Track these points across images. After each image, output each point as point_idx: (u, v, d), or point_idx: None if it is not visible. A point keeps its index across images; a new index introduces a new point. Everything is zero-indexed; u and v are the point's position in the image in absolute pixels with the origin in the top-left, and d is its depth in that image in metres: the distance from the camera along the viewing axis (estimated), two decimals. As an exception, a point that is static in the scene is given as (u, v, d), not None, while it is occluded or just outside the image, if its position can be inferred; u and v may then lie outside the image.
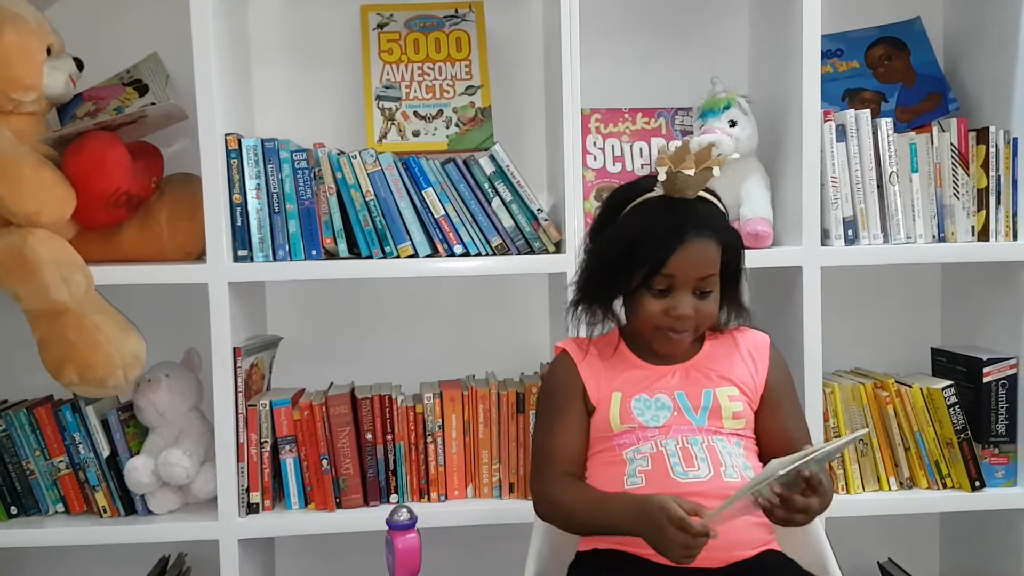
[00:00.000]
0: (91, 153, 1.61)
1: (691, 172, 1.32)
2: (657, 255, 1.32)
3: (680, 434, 1.34)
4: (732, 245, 1.39)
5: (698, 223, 1.33)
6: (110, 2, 1.88)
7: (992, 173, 1.77)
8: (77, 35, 1.77)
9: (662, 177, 1.35)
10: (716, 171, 1.35)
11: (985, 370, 1.77)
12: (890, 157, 1.75)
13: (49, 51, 1.67)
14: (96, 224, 1.68)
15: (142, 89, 1.73)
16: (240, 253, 1.66)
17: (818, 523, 1.49)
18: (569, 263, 1.67)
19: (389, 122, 1.82)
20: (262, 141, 1.66)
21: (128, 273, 1.66)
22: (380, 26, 1.86)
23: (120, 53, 1.80)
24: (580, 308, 1.45)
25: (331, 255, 1.70)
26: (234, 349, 1.65)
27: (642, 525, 1.23)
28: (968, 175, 1.79)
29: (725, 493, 1.23)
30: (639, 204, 1.38)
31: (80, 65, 1.71)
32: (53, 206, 1.58)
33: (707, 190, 1.39)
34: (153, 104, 1.68)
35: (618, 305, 1.46)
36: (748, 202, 1.73)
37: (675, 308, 1.34)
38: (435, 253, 1.69)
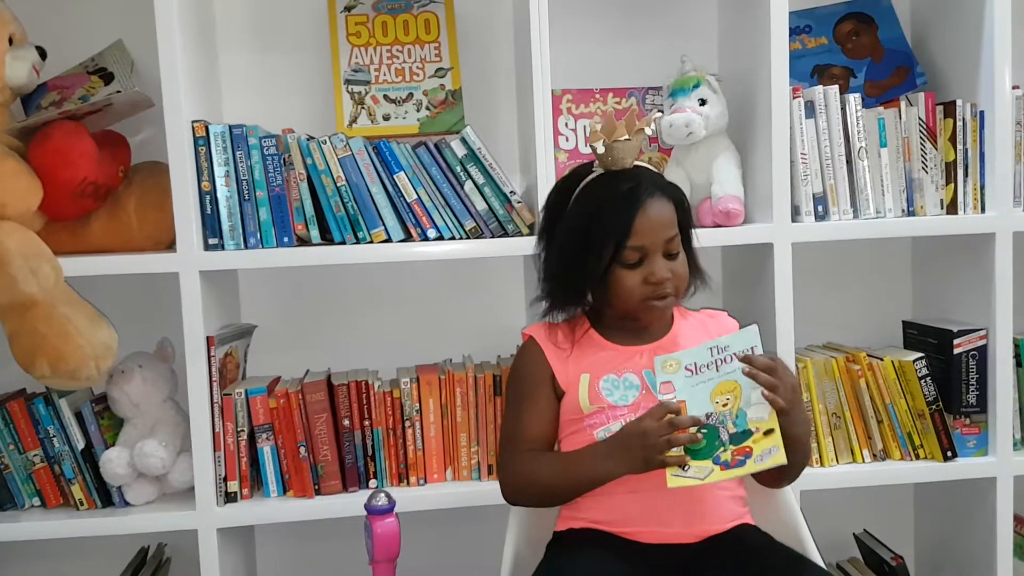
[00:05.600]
0: (57, 143, 1.59)
1: (626, 138, 1.35)
2: (620, 226, 1.33)
3: (649, 412, 1.35)
4: (680, 201, 1.41)
5: (648, 185, 1.36)
6: (72, -11, 1.86)
7: (960, 146, 1.79)
8: (39, 24, 1.74)
9: (600, 150, 1.36)
10: (648, 130, 1.38)
11: (955, 342, 1.79)
12: (859, 132, 1.76)
13: (11, 40, 1.64)
14: (63, 215, 1.66)
15: (107, 77, 1.70)
16: (211, 241, 1.65)
17: (792, 497, 1.51)
18: (543, 245, 1.68)
19: (359, 106, 1.81)
20: (230, 127, 1.64)
21: (97, 264, 1.64)
22: (347, 8, 1.84)
23: (84, 41, 1.77)
24: (554, 312, 1.46)
25: (303, 242, 1.69)
26: (207, 338, 1.64)
27: (619, 451, 1.24)
28: (936, 149, 1.80)
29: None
30: (584, 188, 1.39)
31: (43, 54, 1.68)
32: (19, 197, 1.56)
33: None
34: (119, 92, 1.65)
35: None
36: (719, 180, 1.74)
37: (653, 274, 1.35)
38: (408, 238, 1.68)
